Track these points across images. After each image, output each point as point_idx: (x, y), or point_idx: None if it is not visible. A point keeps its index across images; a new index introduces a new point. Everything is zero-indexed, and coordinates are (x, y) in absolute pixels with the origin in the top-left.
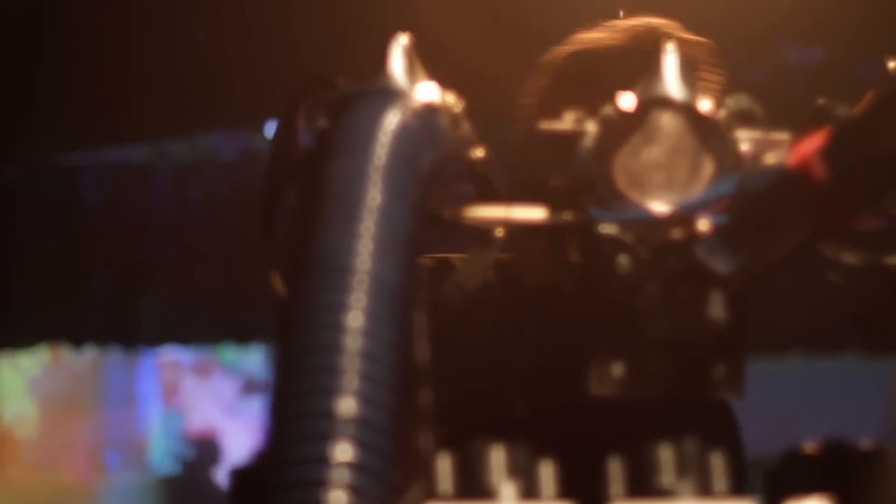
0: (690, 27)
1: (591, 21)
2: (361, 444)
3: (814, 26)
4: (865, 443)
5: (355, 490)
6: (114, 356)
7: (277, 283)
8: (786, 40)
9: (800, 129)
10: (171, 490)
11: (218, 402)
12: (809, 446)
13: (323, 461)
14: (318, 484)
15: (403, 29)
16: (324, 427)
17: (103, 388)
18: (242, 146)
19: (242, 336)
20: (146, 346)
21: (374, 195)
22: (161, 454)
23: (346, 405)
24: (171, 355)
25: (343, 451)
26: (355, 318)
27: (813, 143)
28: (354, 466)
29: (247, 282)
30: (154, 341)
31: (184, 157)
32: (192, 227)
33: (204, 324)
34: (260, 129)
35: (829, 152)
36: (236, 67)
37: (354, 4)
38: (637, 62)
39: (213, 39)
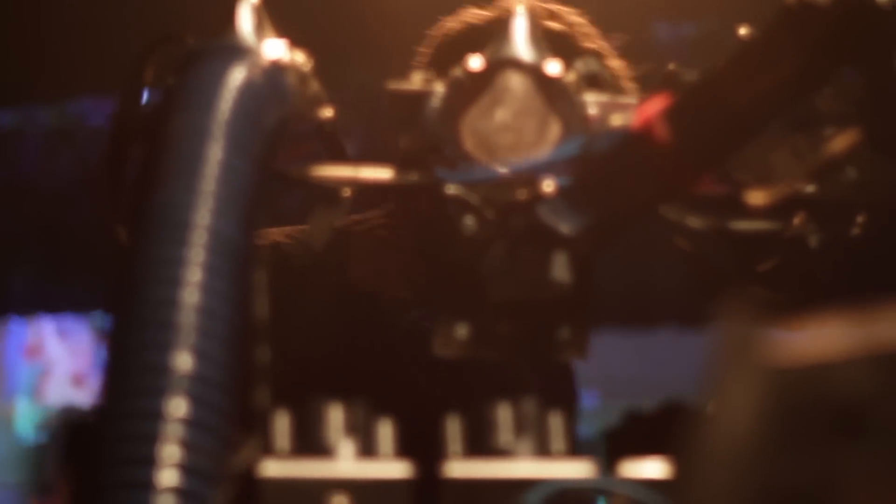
0: (565, 4)
1: None
2: (196, 399)
3: (686, 3)
4: (701, 404)
5: (189, 445)
6: None
7: (122, 238)
8: (658, 17)
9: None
10: (37, 460)
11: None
12: (647, 408)
13: (157, 416)
14: (152, 438)
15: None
16: (158, 381)
17: None
18: (111, 112)
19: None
20: (14, 315)
21: (216, 151)
22: (28, 423)
23: (182, 360)
24: (40, 324)
25: (177, 406)
26: (193, 273)
27: (657, 104)
28: (188, 422)
29: (117, 248)
30: (23, 310)
31: (53, 122)
32: (62, 193)
33: (74, 291)
34: None
35: (671, 114)
36: (107, 32)
37: None
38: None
39: (84, 4)
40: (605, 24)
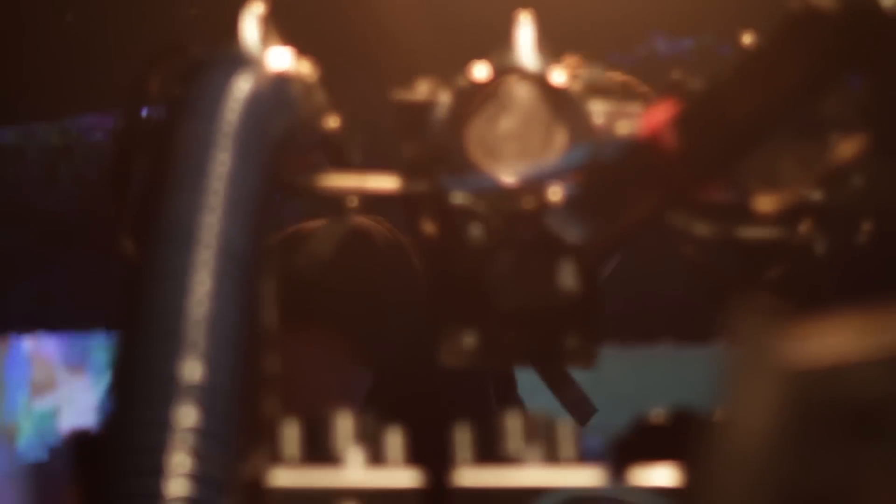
0: (563, 21)
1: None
2: (205, 408)
3: (684, 18)
4: (711, 412)
5: (198, 455)
6: None
7: (129, 250)
8: (656, 31)
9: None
10: (39, 476)
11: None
12: (656, 415)
13: (166, 425)
14: (161, 448)
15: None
16: (167, 391)
17: None
18: (112, 128)
19: (114, 323)
20: (16, 333)
21: (223, 160)
22: (30, 440)
23: (191, 369)
24: (43, 343)
25: (187, 416)
26: (201, 282)
27: (664, 112)
28: (198, 431)
29: (118, 266)
30: (24, 328)
31: (53, 139)
32: (62, 211)
33: (75, 310)
34: None
35: (679, 121)
36: (106, 49)
37: None
38: None
39: (83, 21)
40: (603, 38)
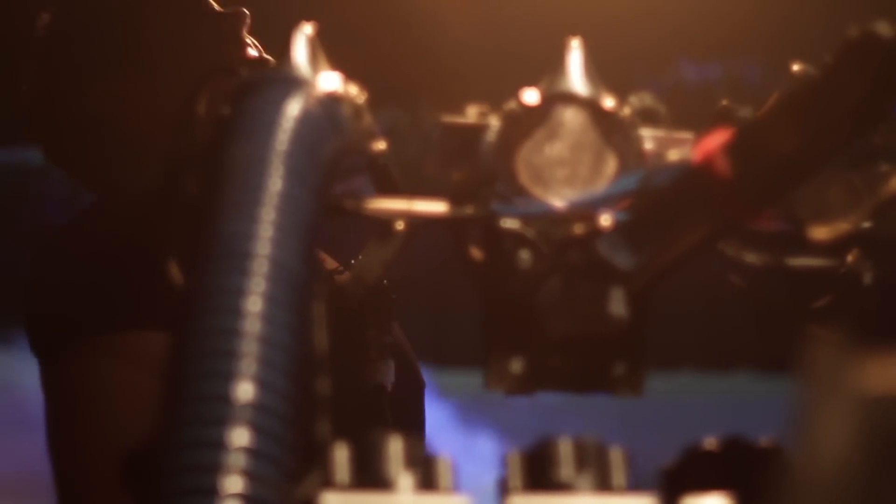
0: (591, 49)
1: None
2: (258, 429)
3: (711, 44)
4: (764, 440)
5: (251, 475)
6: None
7: (175, 272)
8: (684, 57)
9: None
10: None
11: None
12: (709, 443)
13: (219, 445)
14: (214, 468)
15: (309, 16)
16: (220, 411)
17: None
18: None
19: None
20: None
21: (276, 180)
22: None
23: (244, 389)
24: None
25: (239, 436)
26: (254, 303)
27: (717, 139)
28: (250, 451)
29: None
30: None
31: None
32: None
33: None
34: None
35: (732, 149)
36: None
37: None
38: None
39: None
40: (631, 65)
